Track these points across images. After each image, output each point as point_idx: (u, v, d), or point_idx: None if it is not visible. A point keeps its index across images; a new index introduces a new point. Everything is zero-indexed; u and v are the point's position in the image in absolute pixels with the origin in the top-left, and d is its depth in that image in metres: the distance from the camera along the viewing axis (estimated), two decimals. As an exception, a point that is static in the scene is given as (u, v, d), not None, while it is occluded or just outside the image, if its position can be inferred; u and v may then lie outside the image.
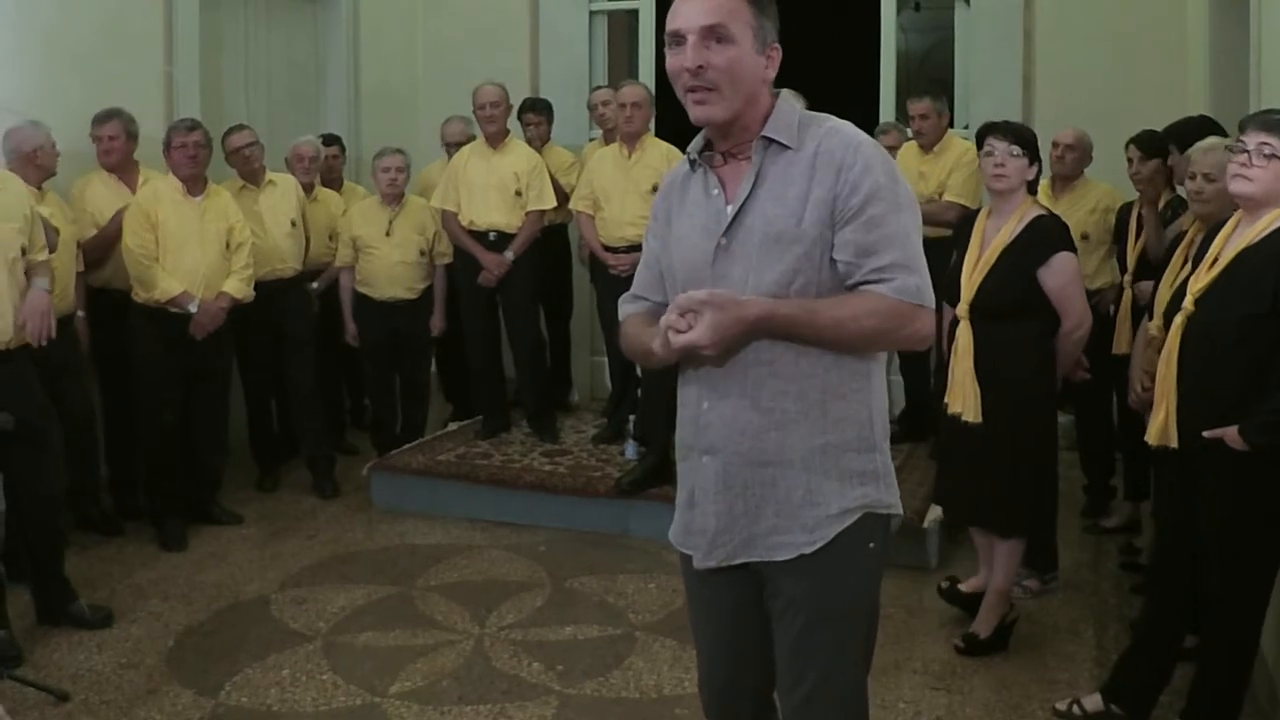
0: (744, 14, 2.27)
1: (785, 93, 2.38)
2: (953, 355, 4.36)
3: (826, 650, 2.35)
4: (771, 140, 2.32)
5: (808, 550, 2.31)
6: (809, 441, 2.30)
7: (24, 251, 4.47)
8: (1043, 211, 4.38)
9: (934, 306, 2.29)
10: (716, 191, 2.38)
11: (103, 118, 5.74)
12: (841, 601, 2.36)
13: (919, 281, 2.25)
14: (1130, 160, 5.47)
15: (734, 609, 2.48)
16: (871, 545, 2.37)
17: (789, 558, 2.33)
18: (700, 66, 2.25)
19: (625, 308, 2.60)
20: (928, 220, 6.32)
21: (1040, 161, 4.43)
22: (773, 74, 2.34)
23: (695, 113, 2.31)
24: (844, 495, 2.32)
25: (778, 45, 2.33)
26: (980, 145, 4.42)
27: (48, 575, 4.67)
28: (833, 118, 2.37)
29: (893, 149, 6.71)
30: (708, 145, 2.43)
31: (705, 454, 2.38)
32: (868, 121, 7.20)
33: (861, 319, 2.23)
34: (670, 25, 2.30)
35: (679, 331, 2.22)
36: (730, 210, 2.33)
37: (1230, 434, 3.30)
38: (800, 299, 2.26)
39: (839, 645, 2.37)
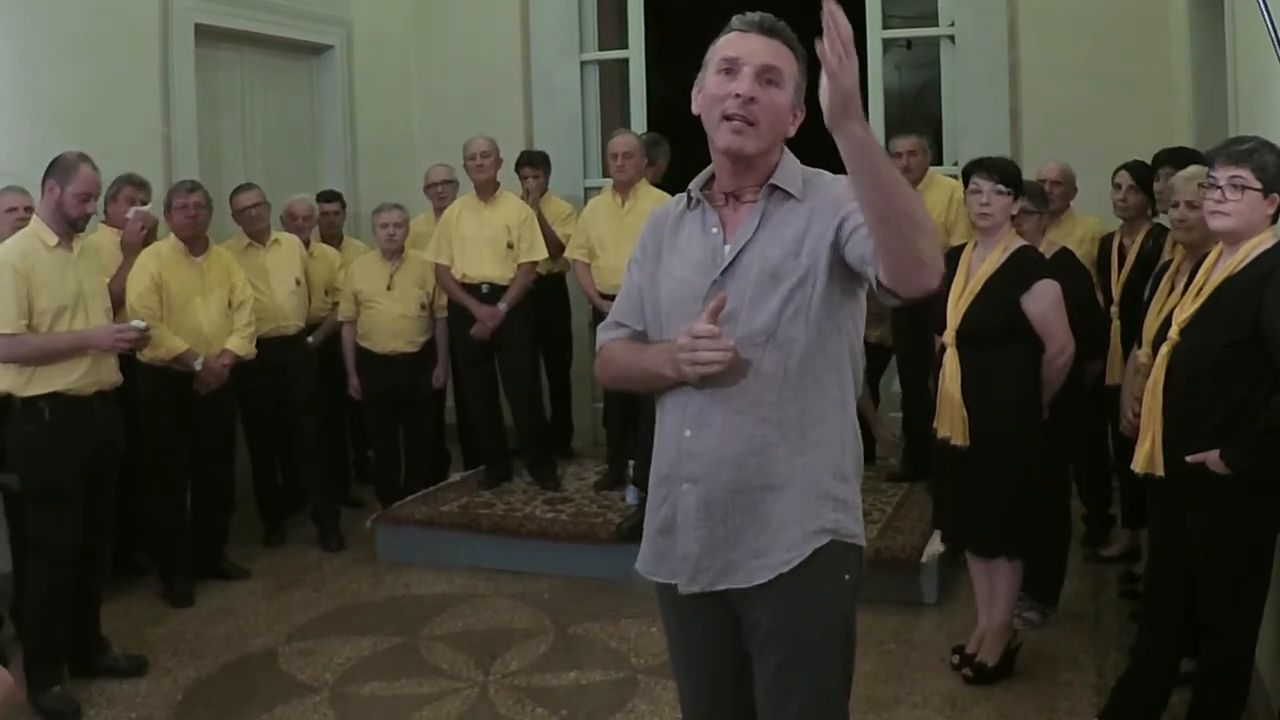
0: (794, 69, 2.38)
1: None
2: (941, 381, 4.42)
3: (806, 681, 2.40)
4: (776, 188, 2.40)
5: (784, 570, 2.36)
6: (789, 462, 2.37)
7: None
8: (1025, 242, 4.46)
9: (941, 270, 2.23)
10: (715, 230, 2.44)
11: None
12: (818, 630, 2.40)
13: None
14: (1119, 185, 5.50)
15: (710, 642, 2.53)
16: (847, 577, 2.43)
17: (767, 580, 2.37)
18: (753, 98, 2.32)
19: (605, 334, 2.64)
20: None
21: (1024, 195, 4.50)
22: (793, 132, 2.43)
23: (728, 140, 2.35)
24: (819, 515, 2.38)
25: (803, 108, 2.42)
26: (966, 182, 4.48)
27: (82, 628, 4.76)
28: (828, 173, 2.44)
29: None
30: (707, 184, 2.50)
31: (687, 482, 2.43)
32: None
33: (914, 198, 2.14)
34: (727, 52, 2.36)
35: (710, 352, 2.27)
36: (729, 250, 2.40)
37: (1212, 458, 3.35)
38: None
39: (818, 675, 2.41)
